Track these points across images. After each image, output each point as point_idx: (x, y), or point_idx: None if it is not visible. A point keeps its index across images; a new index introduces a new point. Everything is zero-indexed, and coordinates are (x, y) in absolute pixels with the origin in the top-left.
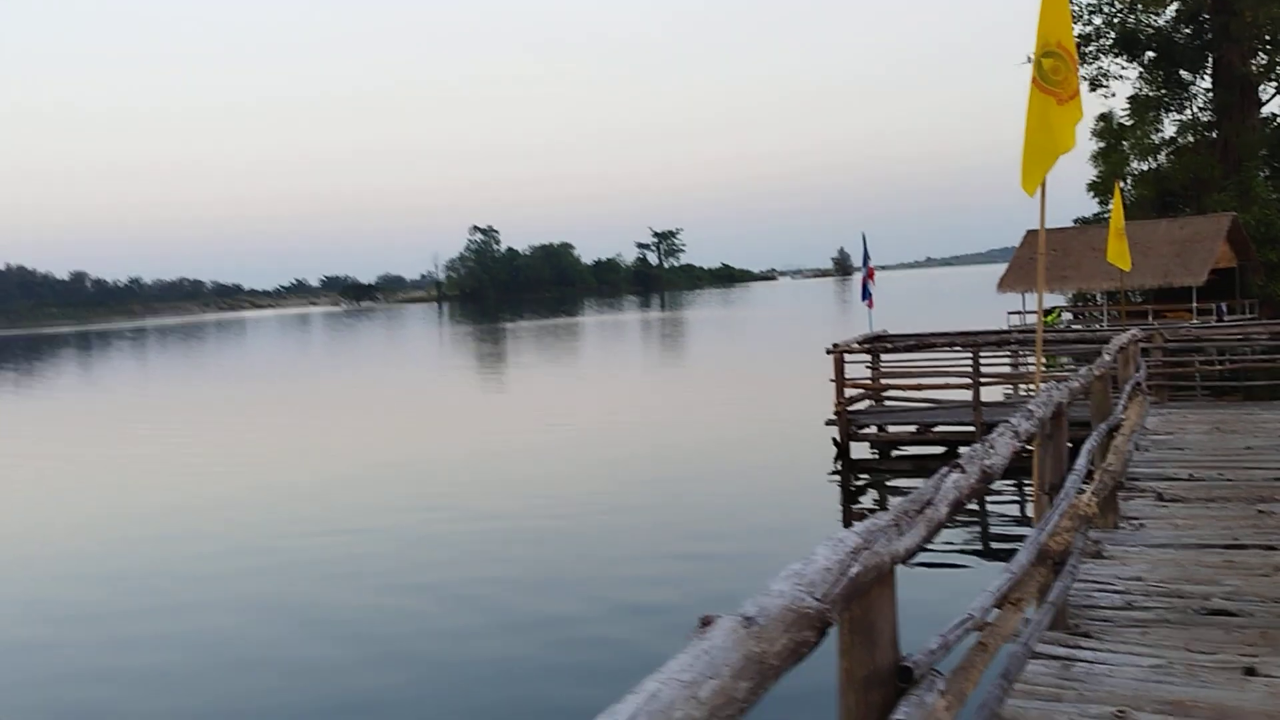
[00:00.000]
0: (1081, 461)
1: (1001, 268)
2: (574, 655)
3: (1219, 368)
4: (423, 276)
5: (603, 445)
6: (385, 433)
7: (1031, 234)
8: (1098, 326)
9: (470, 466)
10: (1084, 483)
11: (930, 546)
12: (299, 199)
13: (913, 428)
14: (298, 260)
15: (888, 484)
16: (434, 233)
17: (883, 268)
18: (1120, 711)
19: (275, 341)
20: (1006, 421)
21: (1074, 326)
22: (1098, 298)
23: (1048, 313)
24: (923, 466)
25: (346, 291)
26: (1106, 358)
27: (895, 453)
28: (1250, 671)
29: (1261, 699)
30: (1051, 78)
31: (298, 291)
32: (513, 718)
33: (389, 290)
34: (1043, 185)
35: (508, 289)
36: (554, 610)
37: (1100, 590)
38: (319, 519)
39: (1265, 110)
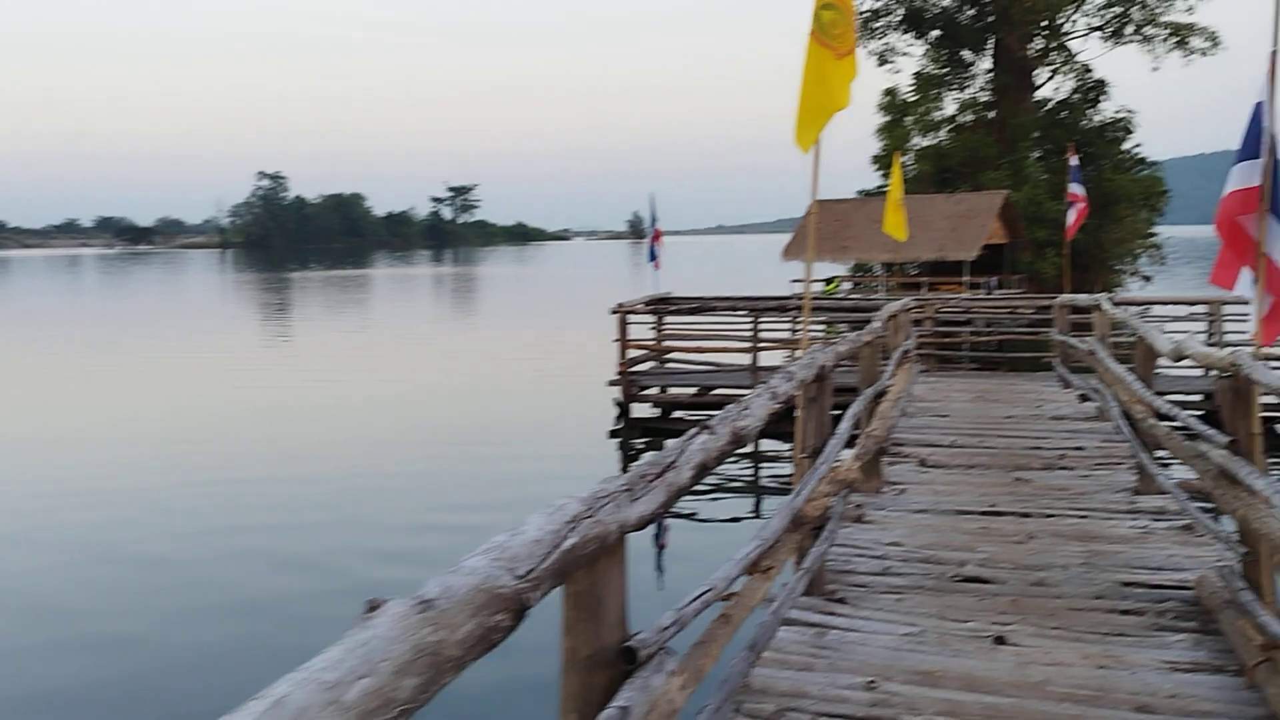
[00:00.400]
0: (844, 426)
1: (790, 236)
2: (271, 640)
3: (986, 339)
4: (205, 222)
5: (376, 405)
6: (132, 387)
7: (818, 203)
8: (875, 296)
9: (222, 425)
10: (847, 447)
11: (702, 515)
12: (73, 136)
13: (693, 389)
14: (70, 199)
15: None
16: (218, 177)
17: (675, 233)
18: (871, 682)
19: (39, 284)
20: (764, 383)
21: (852, 296)
22: (877, 269)
23: (828, 281)
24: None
25: (122, 233)
26: (876, 325)
27: (676, 414)
28: (1000, 641)
29: (1009, 669)
30: (830, 31)
31: (68, 231)
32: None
33: (168, 234)
34: (817, 144)
35: (295, 238)
36: (262, 590)
37: (859, 555)
38: (30, 479)
39: (1039, 94)
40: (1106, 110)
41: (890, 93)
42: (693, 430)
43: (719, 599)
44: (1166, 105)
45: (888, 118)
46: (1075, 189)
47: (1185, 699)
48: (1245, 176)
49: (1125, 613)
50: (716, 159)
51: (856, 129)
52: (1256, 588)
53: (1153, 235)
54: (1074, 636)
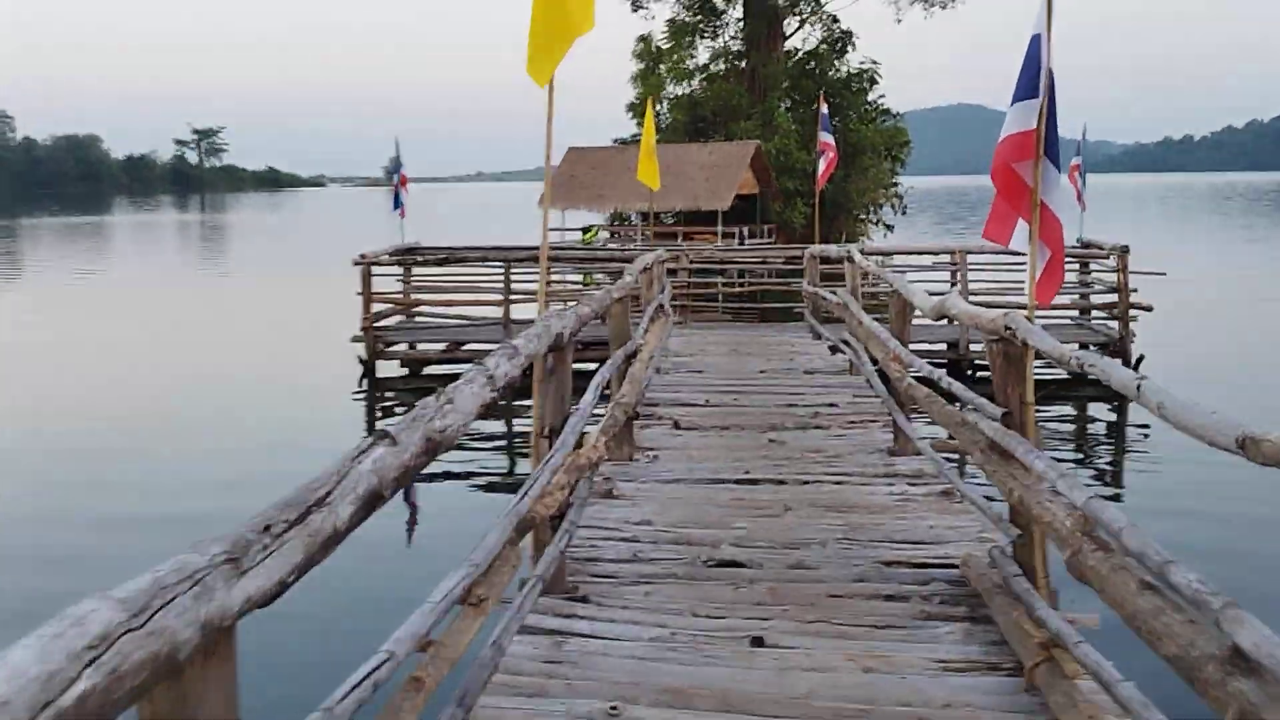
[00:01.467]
0: (587, 399)
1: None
2: None
3: (739, 289)
4: None
5: (93, 367)
6: None
7: (574, 151)
8: (632, 246)
9: None
10: (595, 416)
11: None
12: None
13: (443, 345)
14: None
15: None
16: None
17: (433, 180)
18: (613, 708)
19: None
20: (479, 363)
21: (609, 245)
22: (634, 218)
23: (585, 231)
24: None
25: None
26: (628, 278)
27: (426, 371)
28: (758, 642)
29: (769, 678)
30: None
31: None
32: None
33: None
34: (552, 81)
35: (24, 183)
36: None
37: (607, 539)
38: None
39: (789, 44)
40: (853, 61)
41: (644, 39)
42: (366, 440)
43: (421, 647)
44: (908, 58)
45: (641, 65)
46: (825, 137)
47: (961, 708)
48: (1022, 119)
49: (889, 598)
50: (478, 104)
51: (610, 76)
52: (1029, 573)
53: (895, 185)
54: (836, 631)
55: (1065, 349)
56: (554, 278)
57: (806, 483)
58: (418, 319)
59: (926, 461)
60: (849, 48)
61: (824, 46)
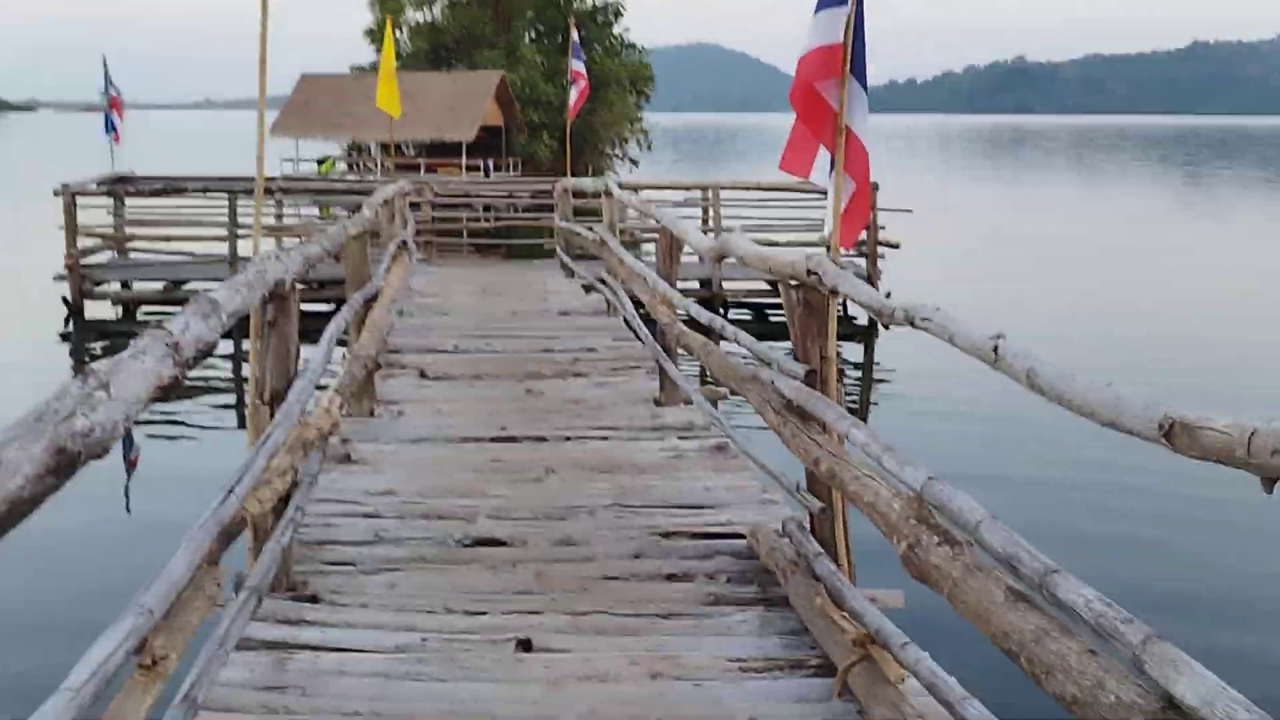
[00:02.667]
0: (318, 356)
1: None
2: None
3: (485, 224)
4: None
5: None
6: None
7: (308, 78)
8: (371, 178)
9: None
10: (329, 374)
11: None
12: None
13: (161, 284)
14: None
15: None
16: None
17: (159, 107)
18: None
19: None
20: (160, 326)
21: (347, 177)
22: (373, 149)
23: (320, 162)
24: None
25: None
26: (366, 213)
27: (142, 313)
28: (525, 646)
29: (539, 694)
30: None
31: None
32: None
33: None
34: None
35: None
36: None
37: (344, 515)
38: None
39: None
40: None
41: None
42: None
43: None
44: None
45: None
46: (577, 66)
47: None
48: (827, 30)
49: (671, 578)
50: (205, 25)
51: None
52: (830, 550)
53: (640, 120)
54: (616, 626)
55: (886, 299)
56: (287, 211)
57: (569, 439)
58: (132, 256)
59: (696, 412)
60: None
61: None
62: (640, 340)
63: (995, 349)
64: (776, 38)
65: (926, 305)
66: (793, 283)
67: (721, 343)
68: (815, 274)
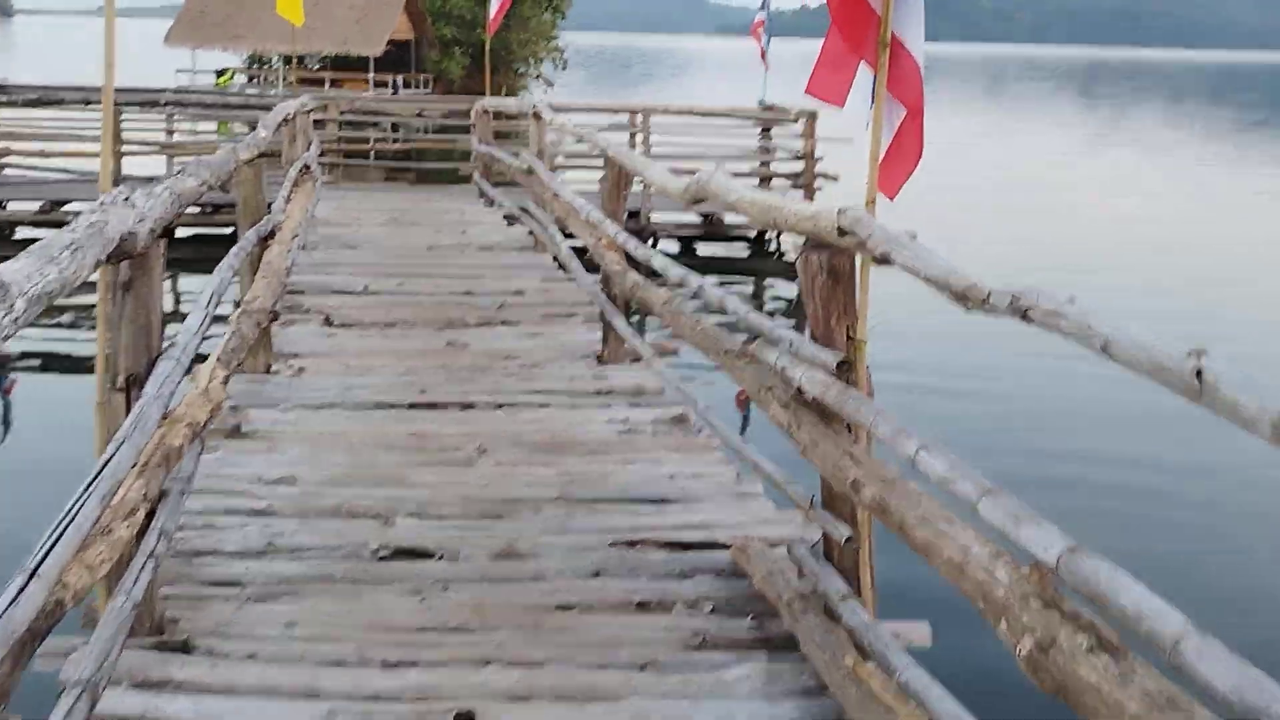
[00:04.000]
0: (194, 319)
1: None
2: None
3: (395, 145)
4: None
5: None
6: None
7: None
8: (274, 93)
9: None
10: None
11: None
12: None
13: (39, 204)
14: None
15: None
16: None
17: (49, 12)
18: None
19: None
20: None
21: (248, 91)
22: (275, 61)
23: (220, 74)
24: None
25: None
26: (262, 133)
27: (19, 236)
28: None
29: None
30: None
31: None
32: None
33: None
34: None
35: None
36: None
37: (230, 513)
38: None
39: None
40: None
41: None
42: None
43: None
44: None
45: None
46: None
47: None
48: None
49: (642, 607)
50: None
51: None
52: (852, 585)
53: (555, 39)
54: (581, 686)
55: (965, 275)
56: (182, 127)
57: (501, 406)
58: (5, 172)
59: (646, 372)
60: None
61: None
62: (575, 281)
63: (1199, 374)
64: None
65: (1045, 291)
66: (814, 242)
67: (689, 302)
68: (851, 234)
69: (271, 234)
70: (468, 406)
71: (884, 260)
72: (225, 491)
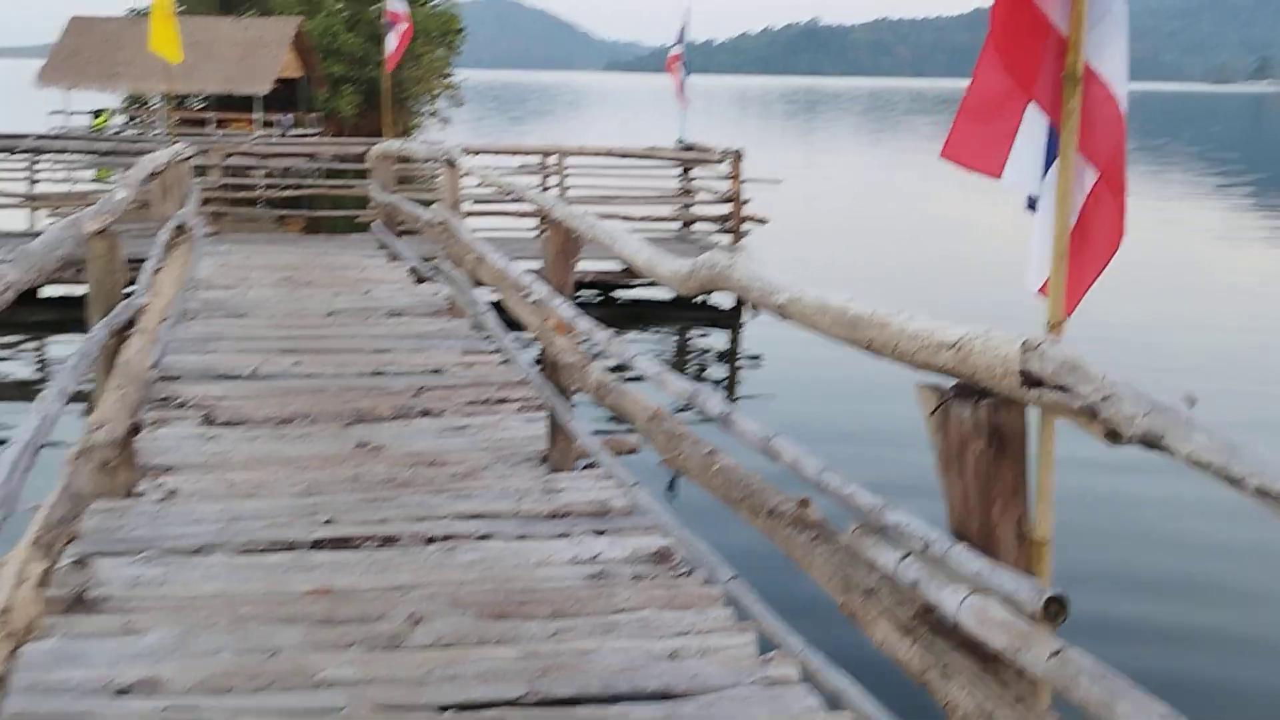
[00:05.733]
0: (8, 457)
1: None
2: None
3: (284, 192)
4: None
5: None
6: None
7: (78, 21)
8: (155, 134)
9: None
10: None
11: None
12: None
13: None
14: None
15: None
16: None
17: None
18: None
19: None
20: None
21: (127, 133)
22: (156, 101)
23: (96, 114)
24: None
25: None
26: (120, 194)
27: None
28: None
29: None
30: None
31: None
32: None
33: None
34: None
35: None
36: None
37: None
38: None
39: None
40: None
41: None
42: None
43: None
44: None
45: None
46: (395, 5)
47: None
48: None
49: None
50: None
51: None
52: None
53: (450, 75)
54: None
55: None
56: (54, 175)
57: (431, 541)
58: None
59: (608, 483)
60: None
61: None
62: (502, 354)
63: None
64: None
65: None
66: (983, 389)
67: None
68: (1055, 386)
69: (131, 322)
70: (388, 541)
71: (1148, 442)
72: (54, 718)
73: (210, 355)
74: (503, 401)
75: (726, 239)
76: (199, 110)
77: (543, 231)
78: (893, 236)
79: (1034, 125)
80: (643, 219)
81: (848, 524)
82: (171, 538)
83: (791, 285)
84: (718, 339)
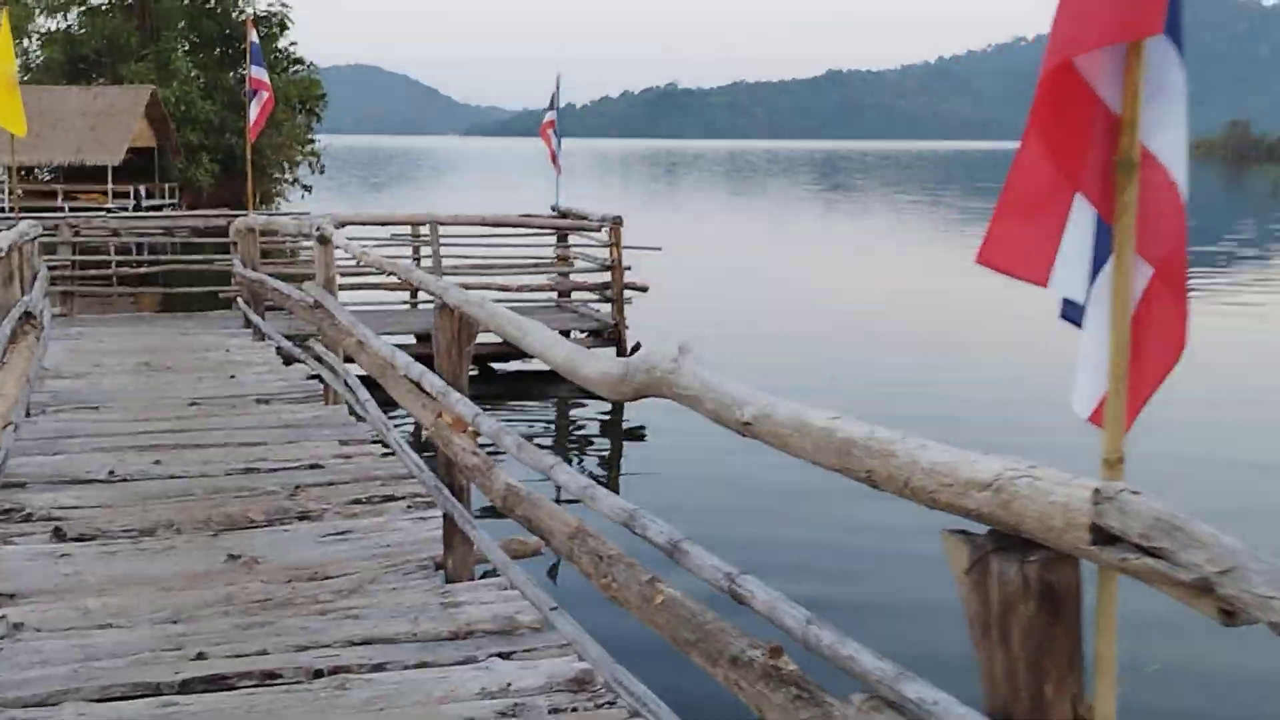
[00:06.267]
0: None
1: None
2: None
3: (143, 270)
4: None
5: None
6: None
7: None
8: (1, 206)
9: None
10: None
11: None
12: None
13: None
14: None
15: None
16: None
17: None
18: None
19: None
20: None
21: None
22: (1, 174)
23: None
24: None
25: None
26: None
27: None
28: None
29: None
30: None
31: None
32: None
33: None
34: None
35: None
36: None
37: None
38: None
39: None
40: (260, 3)
41: None
42: None
43: None
44: (325, 5)
45: None
46: (258, 73)
47: None
48: None
49: None
50: None
51: None
52: None
53: (313, 142)
54: None
55: None
56: None
57: (320, 675)
58: None
59: (511, 594)
60: None
61: None
62: (386, 447)
63: None
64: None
65: None
66: (996, 539)
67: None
68: (1114, 536)
69: None
70: (269, 678)
71: (1204, 588)
72: None
73: (60, 456)
74: (389, 499)
75: (606, 308)
76: (48, 182)
77: (414, 303)
78: (786, 301)
79: (1081, 220)
80: (520, 289)
81: (834, 681)
82: (14, 685)
83: (756, 396)
84: (597, 411)
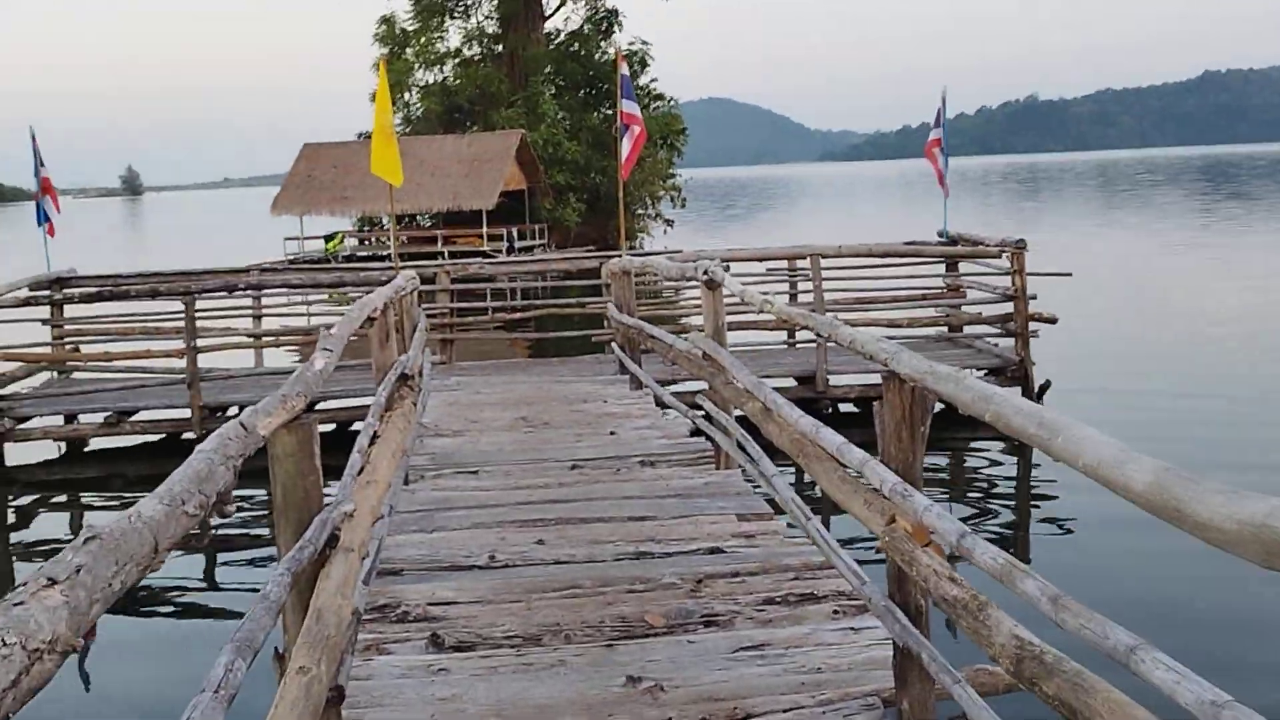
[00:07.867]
0: None
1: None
2: None
3: (517, 315)
4: None
5: None
6: None
7: (310, 148)
8: (385, 253)
9: None
10: None
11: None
12: None
13: (104, 415)
14: None
15: (84, 500)
16: None
17: (173, 189)
18: None
19: None
20: None
21: (359, 254)
22: (385, 221)
23: (329, 239)
24: (118, 472)
25: None
26: (319, 364)
27: (92, 447)
28: None
29: None
30: None
31: None
32: None
33: None
34: None
35: None
36: None
37: None
38: None
39: (549, 24)
40: (620, 42)
41: (387, 20)
42: None
43: None
44: (679, 43)
45: (386, 49)
46: (629, 107)
47: None
48: None
49: None
50: (225, 102)
51: (352, 64)
52: None
53: (674, 176)
54: None
55: None
56: (276, 306)
57: None
58: (75, 376)
59: None
60: (615, 28)
61: (588, 26)
62: (794, 525)
63: None
64: (788, 89)
65: None
66: None
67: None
68: None
69: (331, 542)
70: None
71: None
72: None
73: (438, 534)
74: (807, 599)
75: (1006, 342)
76: (428, 228)
77: (792, 343)
78: (1219, 332)
79: None
80: (908, 324)
81: None
82: None
83: None
84: (1006, 462)
